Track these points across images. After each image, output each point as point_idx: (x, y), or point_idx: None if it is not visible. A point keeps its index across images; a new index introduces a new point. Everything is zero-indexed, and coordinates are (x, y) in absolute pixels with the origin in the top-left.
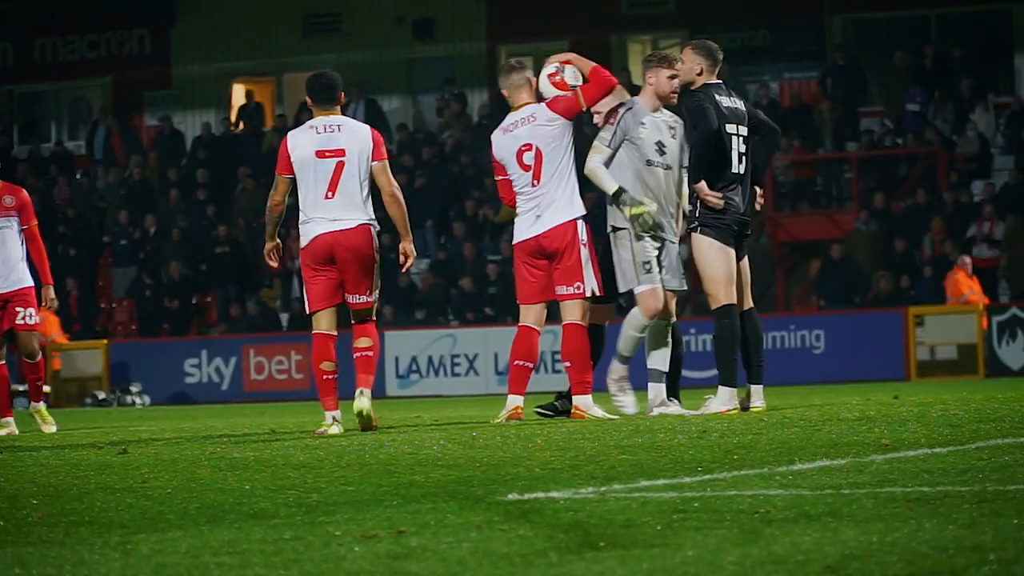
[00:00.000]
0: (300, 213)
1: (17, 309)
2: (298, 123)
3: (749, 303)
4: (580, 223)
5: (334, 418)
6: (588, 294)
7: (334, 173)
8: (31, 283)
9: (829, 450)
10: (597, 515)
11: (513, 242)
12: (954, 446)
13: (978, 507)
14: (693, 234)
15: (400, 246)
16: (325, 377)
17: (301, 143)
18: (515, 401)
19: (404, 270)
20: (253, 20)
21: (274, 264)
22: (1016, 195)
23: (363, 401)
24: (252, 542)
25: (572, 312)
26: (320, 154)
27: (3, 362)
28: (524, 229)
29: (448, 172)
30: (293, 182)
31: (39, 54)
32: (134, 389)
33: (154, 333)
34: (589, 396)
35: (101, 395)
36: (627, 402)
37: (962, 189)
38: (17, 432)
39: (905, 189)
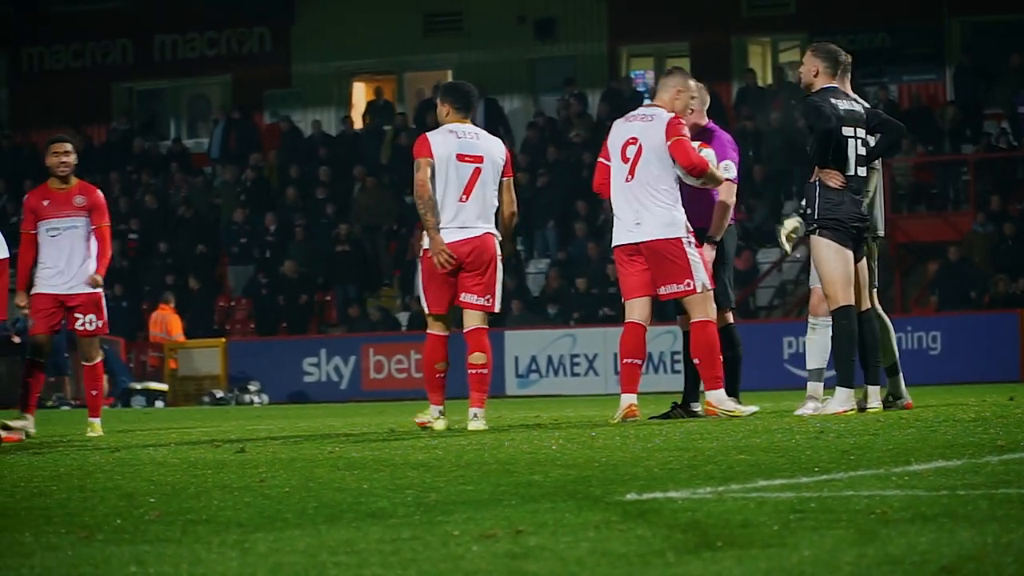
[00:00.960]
0: (438, 213)
1: (77, 315)
2: (419, 122)
3: (867, 304)
4: (684, 230)
5: (440, 412)
6: (699, 289)
7: (471, 178)
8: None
9: (945, 451)
10: (715, 515)
11: (613, 244)
12: None
13: None
14: (812, 236)
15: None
16: (437, 375)
17: (442, 145)
18: (628, 399)
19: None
20: (374, 18)
21: (445, 262)
22: None
23: (477, 423)
24: (370, 542)
25: (696, 309)
26: (460, 158)
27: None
28: (623, 233)
29: (571, 172)
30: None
31: (159, 51)
32: (252, 388)
33: (272, 332)
34: (721, 391)
35: (219, 394)
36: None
37: None
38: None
39: (1022, 192)
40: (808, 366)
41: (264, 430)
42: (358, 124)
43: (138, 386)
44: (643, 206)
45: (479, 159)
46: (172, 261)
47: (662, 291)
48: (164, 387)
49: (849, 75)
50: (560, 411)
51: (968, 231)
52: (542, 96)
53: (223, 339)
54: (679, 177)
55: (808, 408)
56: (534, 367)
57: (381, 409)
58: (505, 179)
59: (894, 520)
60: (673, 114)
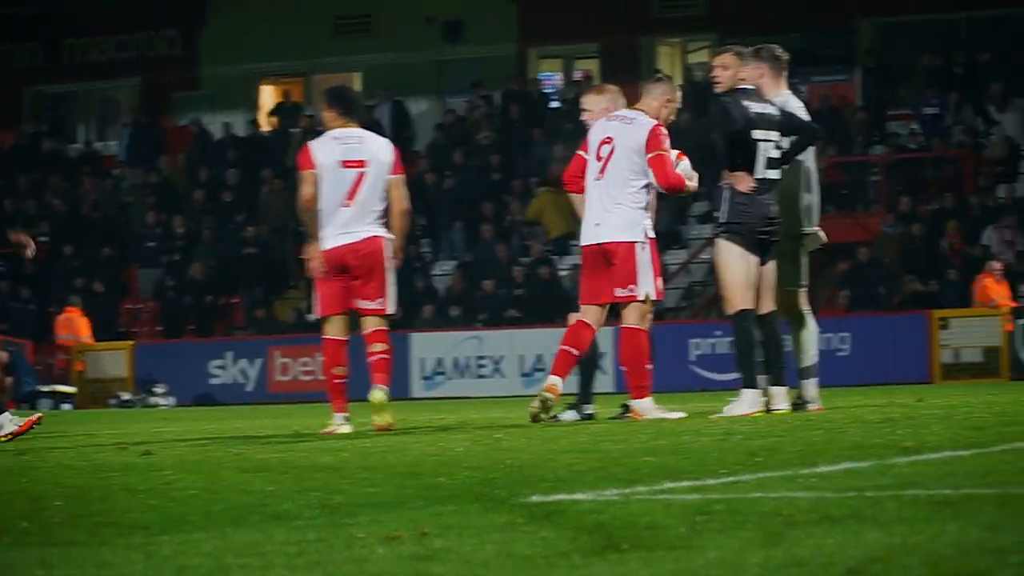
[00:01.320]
0: (320, 220)
1: None
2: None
3: (770, 307)
4: (642, 235)
5: (344, 418)
6: (641, 297)
7: (355, 183)
8: None
9: (853, 452)
10: (621, 517)
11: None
12: (977, 449)
13: (1001, 510)
14: (716, 239)
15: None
16: (336, 381)
17: (325, 152)
18: (552, 380)
19: None
20: (283, 21)
21: (318, 268)
22: None
23: (378, 394)
24: (275, 544)
25: (631, 316)
26: (344, 164)
27: None
28: (587, 232)
29: (478, 174)
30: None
31: (68, 54)
32: (159, 390)
33: (179, 334)
34: (648, 399)
35: (126, 396)
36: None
37: (989, 193)
38: None
39: (932, 193)
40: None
41: (171, 432)
42: (266, 127)
43: (45, 389)
44: (604, 207)
45: (363, 163)
46: (79, 264)
47: (616, 292)
48: (72, 390)
49: (786, 74)
50: (466, 413)
51: (878, 232)
52: (450, 98)
53: (130, 342)
54: (648, 183)
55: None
56: (440, 369)
57: (287, 411)
58: (394, 177)
59: (801, 522)
60: (656, 122)
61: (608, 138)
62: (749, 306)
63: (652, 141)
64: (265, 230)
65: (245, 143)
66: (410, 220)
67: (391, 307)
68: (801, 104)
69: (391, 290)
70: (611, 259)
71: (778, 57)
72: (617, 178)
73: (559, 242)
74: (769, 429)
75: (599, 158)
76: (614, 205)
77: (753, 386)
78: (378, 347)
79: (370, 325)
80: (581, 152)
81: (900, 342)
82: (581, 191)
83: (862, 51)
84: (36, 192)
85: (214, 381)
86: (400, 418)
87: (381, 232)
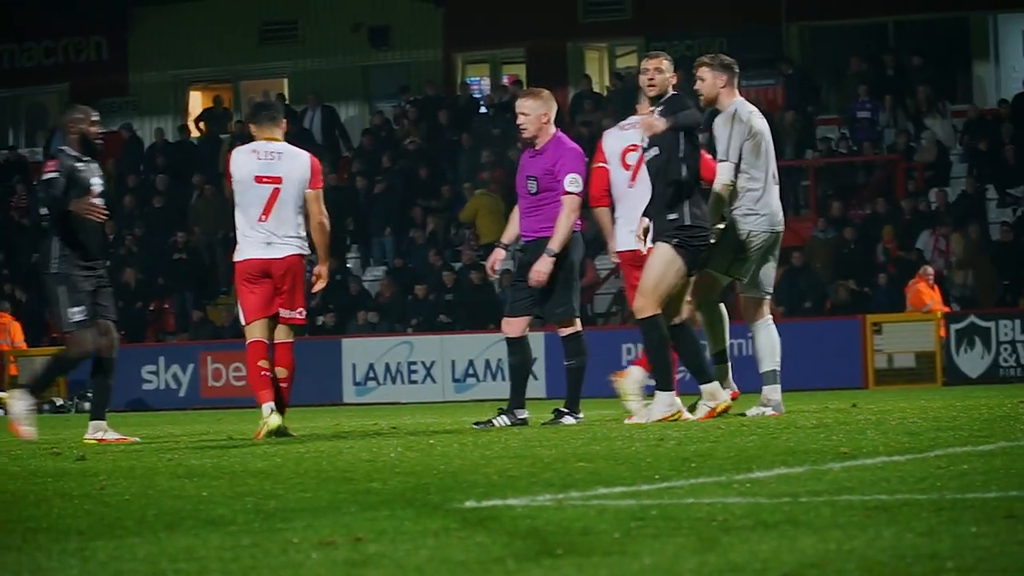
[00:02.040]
0: (236, 230)
1: None
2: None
3: (683, 315)
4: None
5: (271, 408)
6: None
7: (269, 198)
8: None
9: (787, 458)
10: (554, 522)
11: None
12: (912, 454)
13: (936, 515)
14: (664, 242)
15: (316, 268)
16: (262, 373)
17: (242, 166)
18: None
19: (314, 290)
20: (209, 27)
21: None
22: (973, 203)
23: (275, 420)
24: (210, 549)
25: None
26: (258, 179)
27: None
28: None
29: (406, 179)
30: None
31: None
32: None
33: None
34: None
35: (59, 401)
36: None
37: (920, 197)
38: None
39: (863, 197)
40: (760, 369)
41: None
42: (195, 132)
43: None
44: (640, 213)
45: (277, 180)
46: (8, 271)
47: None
48: (4, 395)
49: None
50: (398, 418)
51: (809, 237)
52: (378, 103)
53: (62, 347)
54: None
55: (761, 411)
56: (371, 375)
57: (220, 416)
58: (311, 191)
59: (736, 527)
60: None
61: (633, 145)
62: (660, 312)
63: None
64: (196, 235)
65: (174, 148)
66: (329, 233)
67: (304, 318)
68: (754, 108)
69: (307, 301)
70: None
71: (730, 65)
72: (648, 184)
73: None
74: (703, 435)
75: (627, 166)
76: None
77: (669, 388)
78: (283, 372)
79: (280, 335)
80: (601, 164)
81: (834, 347)
82: (608, 204)
83: (790, 54)
84: None
85: (146, 387)
86: (332, 424)
87: (298, 250)
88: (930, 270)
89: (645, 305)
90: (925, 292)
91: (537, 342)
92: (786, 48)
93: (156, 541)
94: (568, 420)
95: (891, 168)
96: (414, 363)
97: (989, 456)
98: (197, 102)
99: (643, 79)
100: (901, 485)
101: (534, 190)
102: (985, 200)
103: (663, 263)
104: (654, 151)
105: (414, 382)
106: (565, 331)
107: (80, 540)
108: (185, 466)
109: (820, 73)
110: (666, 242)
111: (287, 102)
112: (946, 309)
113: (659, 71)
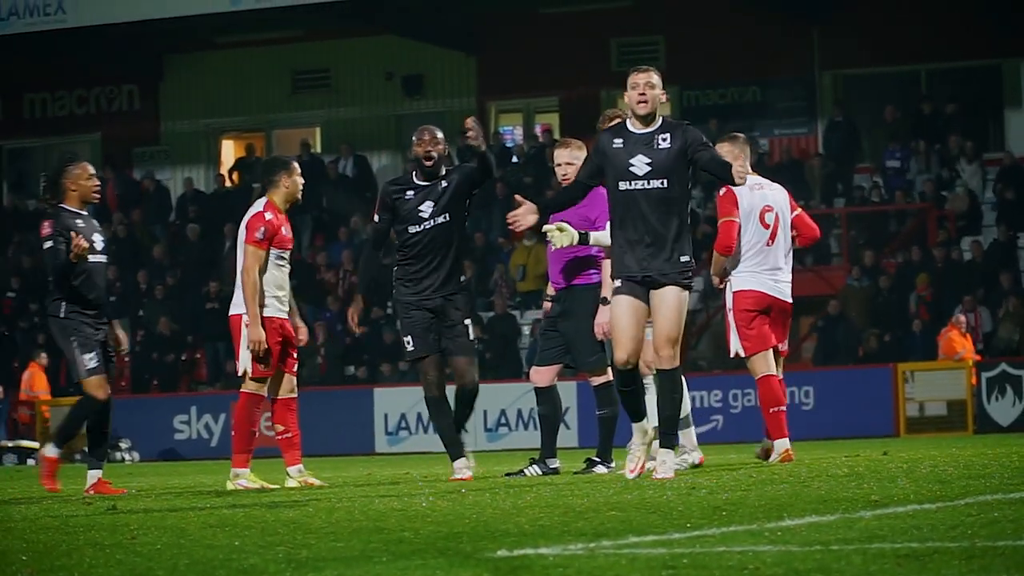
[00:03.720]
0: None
1: None
2: None
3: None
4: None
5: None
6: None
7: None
8: None
9: (818, 506)
10: (586, 571)
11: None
12: (943, 502)
13: (967, 563)
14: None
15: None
16: (280, 438)
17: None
18: (782, 445)
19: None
20: (242, 76)
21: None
22: (1005, 251)
23: (292, 482)
24: None
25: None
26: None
27: None
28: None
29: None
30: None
31: (28, 109)
32: (123, 445)
33: (144, 389)
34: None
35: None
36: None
37: (952, 245)
38: None
39: (895, 246)
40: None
41: (135, 487)
42: (227, 182)
43: (10, 444)
44: (784, 270)
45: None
46: (42, 320)
47: (781, 347)
48: (36, 444)
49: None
50: (430, 468)
51: (842, 285)
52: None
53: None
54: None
55: (678, 460)
56: (403, 424)
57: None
58: (240, 246)
59: (767, 575)
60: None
61: (768, 206)
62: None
63: (791, 202)
64: (228, 286)
65: (206, 198)
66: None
67: (243, 371)
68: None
69: (243, 356)
70: (786, 316)
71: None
72: (784, 243)
73: (527, 297)
74: (734, 483)
75: (766, 225)
76: (788, 267)
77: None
78: (279, 428)
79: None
80: (734, 219)
81: (865, 396)
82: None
83: (823, 103)
84: (2, 248)
85: (178, 436)
86: (364, 473)
87: (237, 310)
88: (962, 318)
89: (676, 354)
90: (957, 340)
91: (569, 391)
92: (820, 96)
93: None
94: (600, 469)
95: (923, 216)
96: None
97: (1020, 504)
98: (229, 151)
99: (633, 95)
100: (932, 533)
101: None
102: (1016, 249)
103: (681, 309)
104: (660, 183)
105: None
106: (597, 380)
107: None
108: (217, 515)
109: (852, 122)
110: (681, 287)
111: (318, 151)
112: (978, 358)
113: (650, 86)
